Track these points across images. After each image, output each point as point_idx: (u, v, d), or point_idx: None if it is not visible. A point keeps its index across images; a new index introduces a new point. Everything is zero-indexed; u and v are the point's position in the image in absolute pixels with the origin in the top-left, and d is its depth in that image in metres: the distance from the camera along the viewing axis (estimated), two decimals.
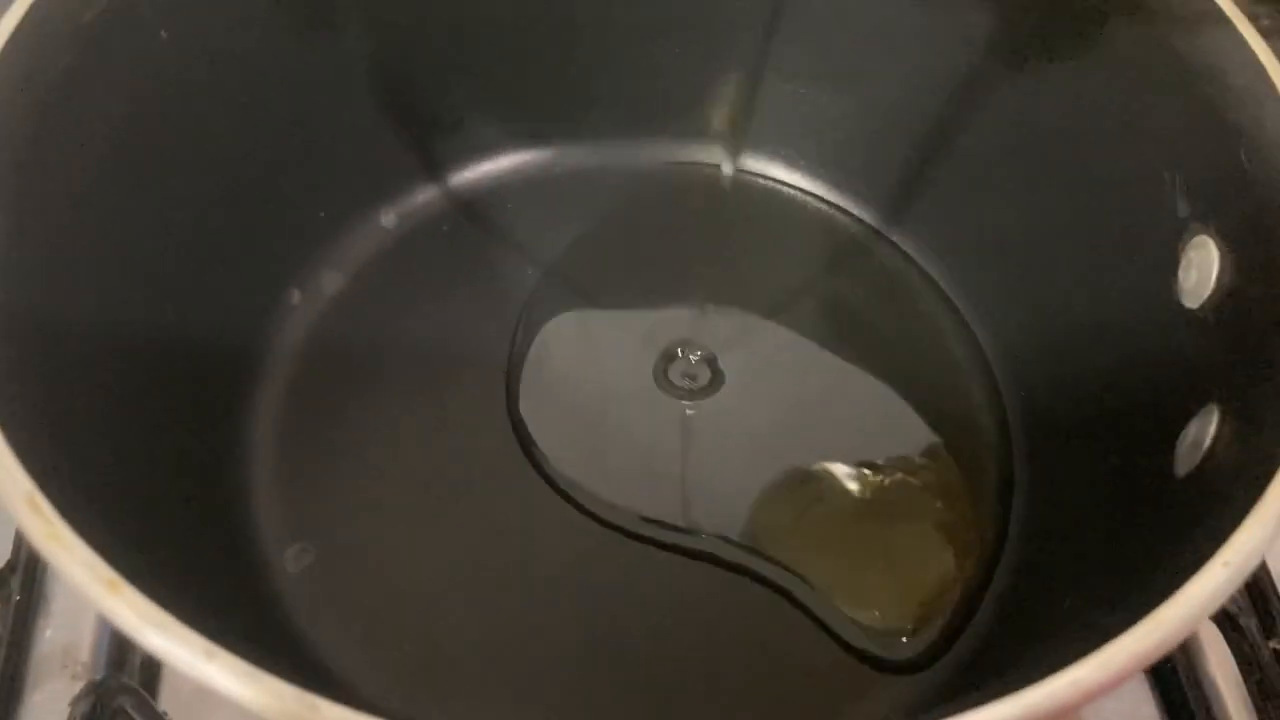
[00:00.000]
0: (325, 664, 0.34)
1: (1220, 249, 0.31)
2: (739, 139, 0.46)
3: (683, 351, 0.43)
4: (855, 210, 0.48)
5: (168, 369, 0.35)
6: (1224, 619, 0.39)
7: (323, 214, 0.43)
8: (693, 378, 0.43)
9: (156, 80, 0.35)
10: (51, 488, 0.23)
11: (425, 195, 0.46)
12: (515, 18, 0.44)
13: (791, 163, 0.48)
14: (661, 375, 0.43)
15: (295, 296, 0.42)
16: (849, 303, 0.46)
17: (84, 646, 0.38)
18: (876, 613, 0.37)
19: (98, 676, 0.37)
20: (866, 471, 0.40)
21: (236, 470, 0.38)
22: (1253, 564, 0.23)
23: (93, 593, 0.21)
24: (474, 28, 0.43)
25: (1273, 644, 0.40)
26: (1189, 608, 0.22)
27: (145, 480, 0.31)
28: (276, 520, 0.38)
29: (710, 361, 0.43)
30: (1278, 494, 0.23)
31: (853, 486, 0.40)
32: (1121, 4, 0.34)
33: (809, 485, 0.40)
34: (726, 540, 0.38)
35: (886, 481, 0.40)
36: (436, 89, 0.44)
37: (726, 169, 0.47)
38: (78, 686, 0.37)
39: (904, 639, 0.37)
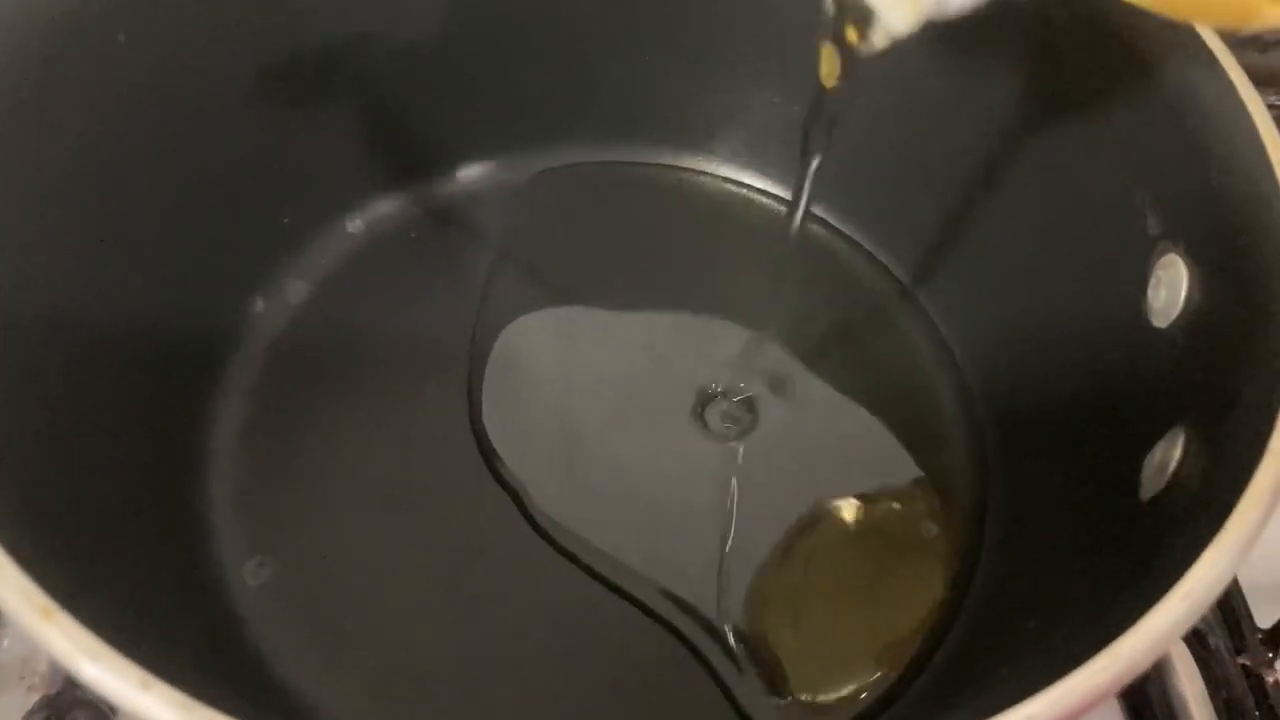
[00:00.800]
0: (284, 683, 0.34)
1: (1189, 268, 0.31)
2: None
3: (659, 377, 0.43)
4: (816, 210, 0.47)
5: (123, 376, 0.35)
6: (1193, 637, 0.39)
7: (287, 220, 0.42)
8: (667, 405, 0.42)
9: (116, 87, 0.34)
10: None
11: (392, 202, 0.45)
12: (501, 33, 0.44)
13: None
14: (635, 392, 0.42)
15: (259, 304, 0.42)
16: (824, 317, 0.45)
17: (41, 658, 0.37)
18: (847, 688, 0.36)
19: (54, 690, 0.36)
20: (859, 504, 0.40)
21: (194, 481, 0.37)
22: (1213, 595, 0.23)
23: (25, 620, 0.21)
24: (458, 46, 0.43)
25: (1241, 660, 0.40)
26: (1147, 641, 0.22)
27: (96, 492, 0.31)
28: (235, 532, 0.37)
29: (706, 396, 0.42)
30: (1239, 524, 0.23)
31: (847, 520, 0.40)
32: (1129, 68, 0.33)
33: (805, 539, 0.39)
34: (694, 615, 0.37)
35: (877, 513, 0.40)
36: (409, 103, 0.44)
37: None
38: (34, 698, 0.36)
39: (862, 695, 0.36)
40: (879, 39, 0.25)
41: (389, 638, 0.36)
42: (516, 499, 0.39)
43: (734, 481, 0.40)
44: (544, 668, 0.36)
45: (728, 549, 0.38)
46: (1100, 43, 0.34)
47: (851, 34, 0.25)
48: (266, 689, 0.33)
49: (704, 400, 0.42)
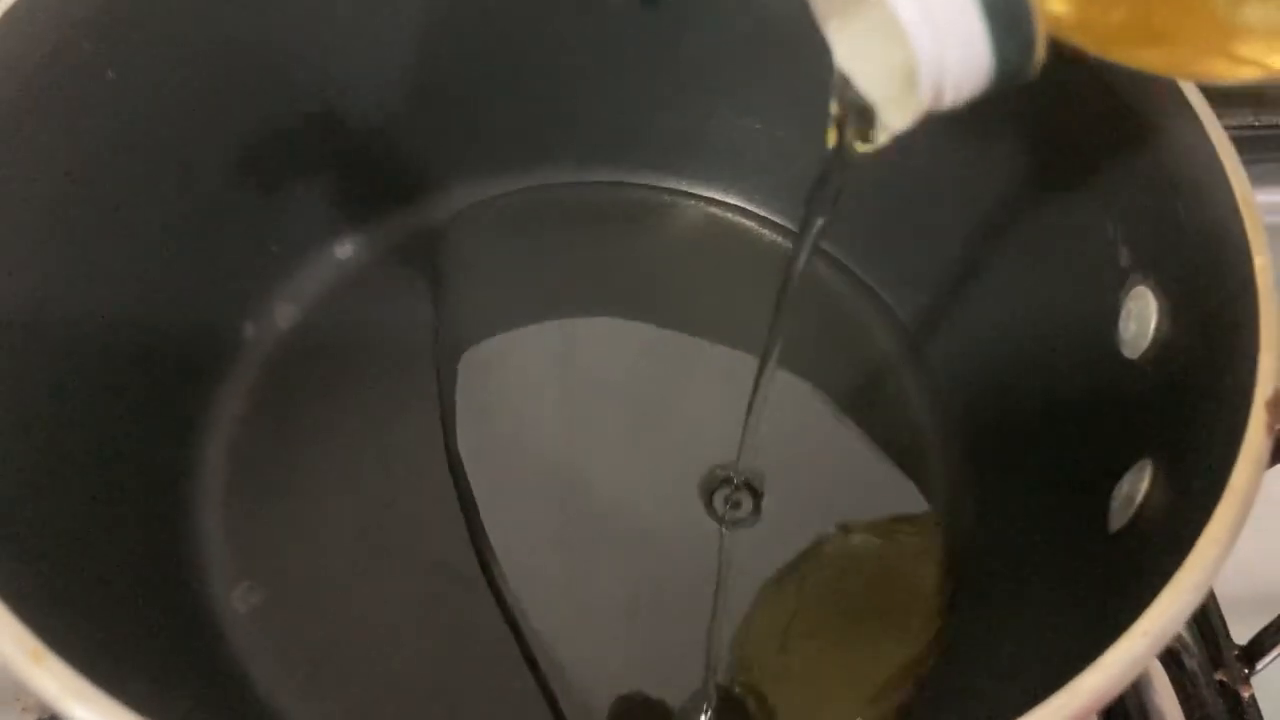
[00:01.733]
0: (274, 711, 0.34)
1: (1158, 300, 0.31)
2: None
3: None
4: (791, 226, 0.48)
5: (111, 404, 0.35)
6: (1168, 657, 0.40)
7: (275, 248, 0.43)
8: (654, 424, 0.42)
9: (105, 122, 0.34)
10: None
11: (380, 227, 0.46)
12: (485, 62, 0.44)
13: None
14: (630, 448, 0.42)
15: (248, 329, 0.42)
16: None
17: None
18: None
19: (49, 711, 0.37)
20: (846, 536, 0.40)
21: (183, 507, 0.38)
22: (1172, 632, 0.23)
23: (16, 663, 0.21)
24: (441, 76, 0.44)
25: (1218, 675, 0.40)
26: (1107, 677, 0.22)
27: (84, 525, 0.31)
28: (224, 558, 0.37)
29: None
30: (1198, 562, 0.23)
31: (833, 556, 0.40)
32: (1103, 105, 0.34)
33: (788, 583, 0.39)
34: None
35: (866, 545, 0.40)
36: (401, 133, 0.44)
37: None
38: None
39: None
40: (881, 136, 0.25)
41: (377, 665, 0.36)
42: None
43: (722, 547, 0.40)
44: (527, 698, 0.36)
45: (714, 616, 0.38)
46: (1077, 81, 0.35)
47: (858, 142, 0.26)
48: (256, 716, 0.34)
49: (708, 486, 0.41)
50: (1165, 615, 0.23)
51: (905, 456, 0.42)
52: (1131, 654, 0.23)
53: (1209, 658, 0.40)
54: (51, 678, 0.21)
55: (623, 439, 0.42)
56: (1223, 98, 0.31)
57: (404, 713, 0.36)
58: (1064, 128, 0.35)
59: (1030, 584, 0.34)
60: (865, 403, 0.44)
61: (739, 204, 0.49)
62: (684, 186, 0.49)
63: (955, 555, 0.39)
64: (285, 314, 0.43)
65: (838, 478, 0.42)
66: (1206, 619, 0.41)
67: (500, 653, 0.37)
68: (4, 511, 0.27)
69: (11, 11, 0.31)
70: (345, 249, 0.45)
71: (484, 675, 0.36)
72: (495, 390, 0.43)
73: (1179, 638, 0.40)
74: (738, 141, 0.47)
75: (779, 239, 0.48)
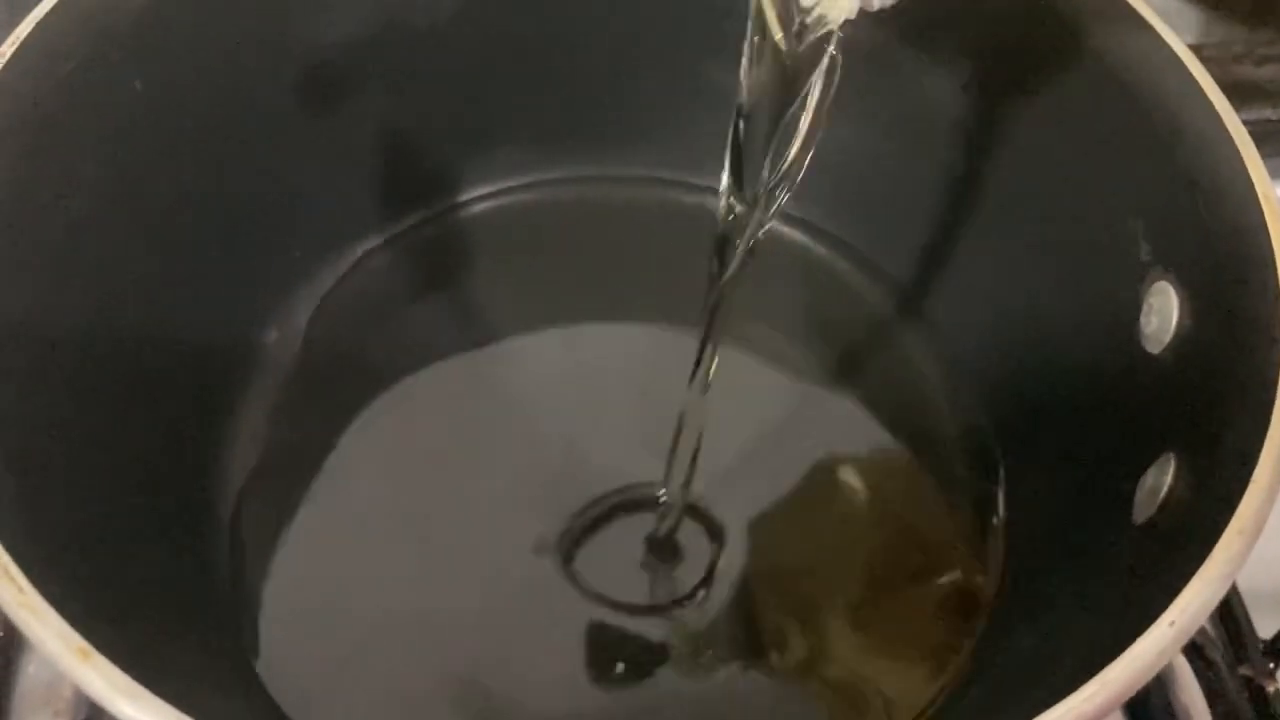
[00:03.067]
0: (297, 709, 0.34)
1: (1179, 295, 0.32)
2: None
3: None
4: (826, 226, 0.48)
5: (137, 409, 0.35)
6: (1192, 650, 0.40)
7: (298, 254, 0.43)
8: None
9: (132, 133, 0.35)
10: (22, 550, 0.24)
11: (403, 229, 0.46)
12: (507, 55, 0.44)
13: None
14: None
15: (272, 334, 0.43)
16: (806, 316, 0.46)
17: (67, 683, 0.38)
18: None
19: (81, 715, 0.37)
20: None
21: (211, 511, 0.38)
22: (1198, 623, 0.23)
23: (65, 662, 0.22)
24: (461, 72, 0.44)
25: (1243, 670, 0.40)
26: (1134, 668, 0.23)
27: (118, 527, 0.31)
28: (252, 563, 0.38)
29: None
30: (1223, 555, 0.24)
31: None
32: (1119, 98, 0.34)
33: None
34: None
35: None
36: (433, 131, 0.45)
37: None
38: None
39: None
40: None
41: (401, 675, 0.36)
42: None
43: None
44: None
45: None
46: (1089, 68, 0.35)
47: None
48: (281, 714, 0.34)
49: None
50: (1193, 606, 0.23)
51: (933, 449, 0.42)
52: (1160, 644, 0.23)
53: (1233, 653, 0.40)
54: (99, 675, 0.21)
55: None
56: (1241, 93, 0.31)
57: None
58: (1082, 124, 0.36)
59: (1055, 576, 0.34)
60: (895, 392, 0.44)
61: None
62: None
63: (982, 551, 0.40)
64: (308, 318, 0.44)
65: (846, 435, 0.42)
66: (1230, 614, 0.41)
67: (539, 665, 0.37)
68: (45, 517, 0.27)
69: (41, 23, 0.32)
70: (367, 252, 0.46)
71: (526, 685, 0.36)
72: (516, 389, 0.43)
73: (1203, 632, 0.40)
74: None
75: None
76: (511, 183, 0.48)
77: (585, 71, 0.46)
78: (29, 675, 0.39)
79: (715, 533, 0.40)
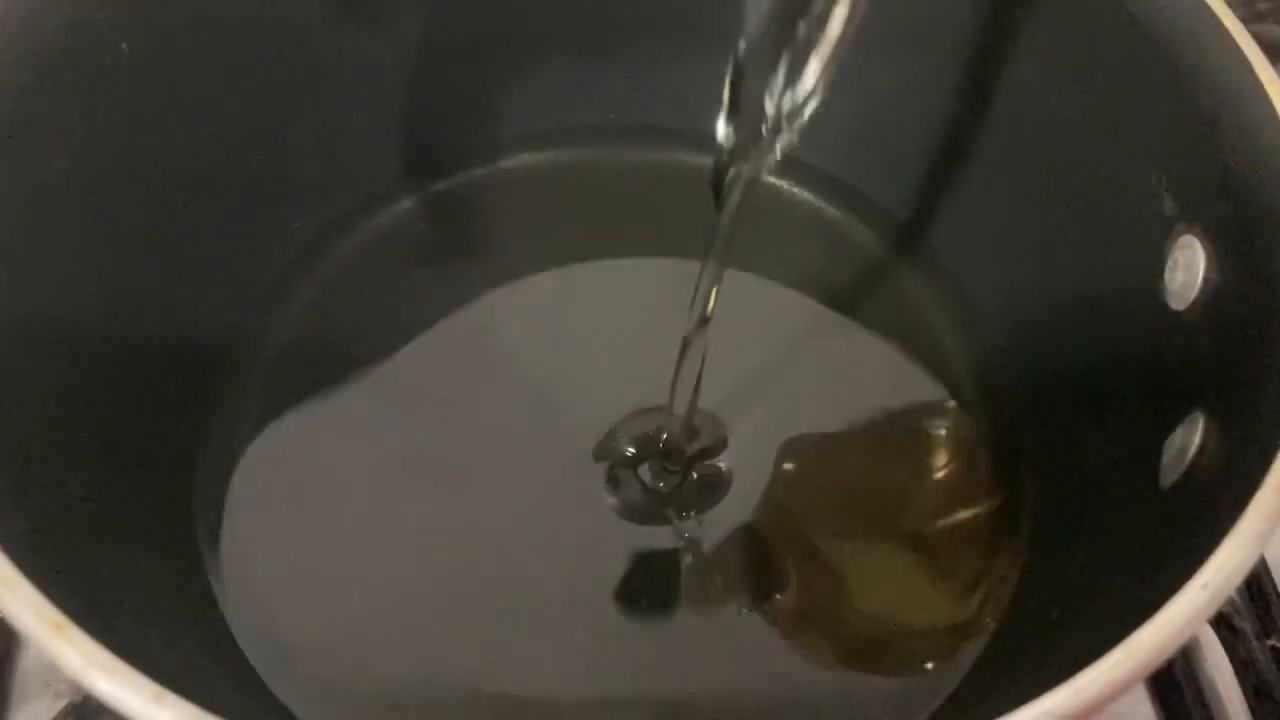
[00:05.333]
0: (282, 696, 0.34)
1: (1206, 250, 0.30)
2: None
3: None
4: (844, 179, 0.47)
5: (130, 384, 0.35)
6: (1219, 621, 0.39)
7: (296, 225, 0.42)
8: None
9: (119, 96, 0.34)
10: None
11: (401, 203, 0.45)
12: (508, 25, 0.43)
13: None
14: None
15: (269, 308, 0.42)
16: (828, 280, 0.45)
17: None
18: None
19: (80, 697, 0.37)
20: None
21: (201, 487, 0.37)
22: (1233, 585, 0.22)
23: (38, 635, 0.21)
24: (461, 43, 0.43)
25: (1271, 642, 0.39)
26: (1165, 633, 0.21)
27: (103, 503, 0.31)
28: (241, 540, 0.37)
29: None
30: (1258, 513, 0.23)
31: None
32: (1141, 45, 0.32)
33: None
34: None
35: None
36: (411, 102, 0.44)
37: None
38: (61, 705, 0.36)
39: None
40: None
41: (400, 663, 0.35)
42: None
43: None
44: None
45: None
46: (1113, 19, 0.34)
47: None
48: (266, 703, 0.33)
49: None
50: (1227, 567, 0.22)
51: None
52: (1193, 607, 0.22)
53: (1261, 625, 0.39)
54: (73, 648, 0.21)
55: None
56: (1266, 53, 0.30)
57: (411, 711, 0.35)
58: (1100, 73, 0.34)
59: (1083, 541, 0.33)
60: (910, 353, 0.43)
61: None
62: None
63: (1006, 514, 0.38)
64: (306, 293, 0.43)
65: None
66: (1258, 583, 0.40)
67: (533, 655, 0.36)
68: (27, 492, 0.26)
69: None
70: (366, 223, 0.45)
71: (526, 679, 0.36)
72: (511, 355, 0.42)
73: (1231, 601, 0.39)
74: None
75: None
76: (514, 154, 0.47)
77: (587, 46, 0.45)
78: (30, 657, 0.39)
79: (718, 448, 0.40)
